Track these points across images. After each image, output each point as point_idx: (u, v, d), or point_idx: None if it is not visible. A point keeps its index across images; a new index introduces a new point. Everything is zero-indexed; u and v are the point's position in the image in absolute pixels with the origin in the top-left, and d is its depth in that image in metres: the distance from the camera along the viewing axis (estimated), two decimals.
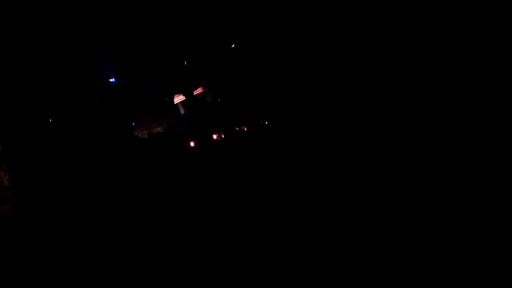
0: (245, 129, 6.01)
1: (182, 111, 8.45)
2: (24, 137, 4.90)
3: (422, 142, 4.30)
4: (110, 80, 7.09)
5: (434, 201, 3.19)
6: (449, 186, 3.34)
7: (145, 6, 7.34)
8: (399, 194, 3.45)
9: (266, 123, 6.07)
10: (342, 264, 2.72)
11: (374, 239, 2.90)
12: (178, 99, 8.41)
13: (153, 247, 3.62)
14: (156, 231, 4.00)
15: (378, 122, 5.14)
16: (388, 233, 2.92)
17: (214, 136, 5.87)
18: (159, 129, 8.19)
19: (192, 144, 5.79)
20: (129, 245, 3.79)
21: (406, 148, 4.32)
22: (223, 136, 5.85)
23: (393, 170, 4.00)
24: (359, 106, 5.52)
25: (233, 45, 7.34)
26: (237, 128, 5.98)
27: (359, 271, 2.60)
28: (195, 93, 7.71)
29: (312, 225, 3.37)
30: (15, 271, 3.65)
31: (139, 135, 7.91)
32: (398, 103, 5.06)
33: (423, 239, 2.71)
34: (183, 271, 3.15)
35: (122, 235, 4.08)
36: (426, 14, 5.06)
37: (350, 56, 5.70)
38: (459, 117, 4.34)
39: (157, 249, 3.57)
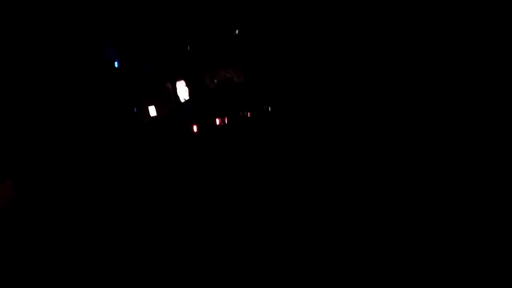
0: (249, 114, 6.02)
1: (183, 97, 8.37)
2: (26, 121, 4.89)
3: (422, 140, 4.26)
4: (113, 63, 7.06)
5: (434, 200, 3.16)
6: (450, 186, 3.32)
7: None
8: (400, 191, 3.43)
9: (270, 108, 6.07)
10: (342, 262, 2.71)
11: (374, 237, 2.88)
12: (182, 85, 8.35)
13: (156, 238, 3.62)
14: (159, 220, 4.00)
15: (382, 115, 5.09)
16: (388, 232, 2.91)
17: (217, 121, 5.88)
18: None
19: (195, 129, 5.80)
20: (132, 233, 3.80)
21: (407, 144, 4.28)
22: (226, 121, 5.87)
23: (397, 164, 3.98)
24: (366, 95, 5.47)
25: (237, 31, 7.26)
26: (241, 113, 6.00)
27: (359, 271, 2.59)
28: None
29: (313, 218, 3.36)
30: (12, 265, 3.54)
31: (142, 120, 7.88)
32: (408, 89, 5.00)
33: (423, 239, 2.69)
34: (186, 262, 3.15)
35: (125, 222, 4.10)
36: (426, 14, 4.98)
37: (358, 40, 5.61)
38: (460, 117, 4.28)
39: (159, 240, 3.57)
